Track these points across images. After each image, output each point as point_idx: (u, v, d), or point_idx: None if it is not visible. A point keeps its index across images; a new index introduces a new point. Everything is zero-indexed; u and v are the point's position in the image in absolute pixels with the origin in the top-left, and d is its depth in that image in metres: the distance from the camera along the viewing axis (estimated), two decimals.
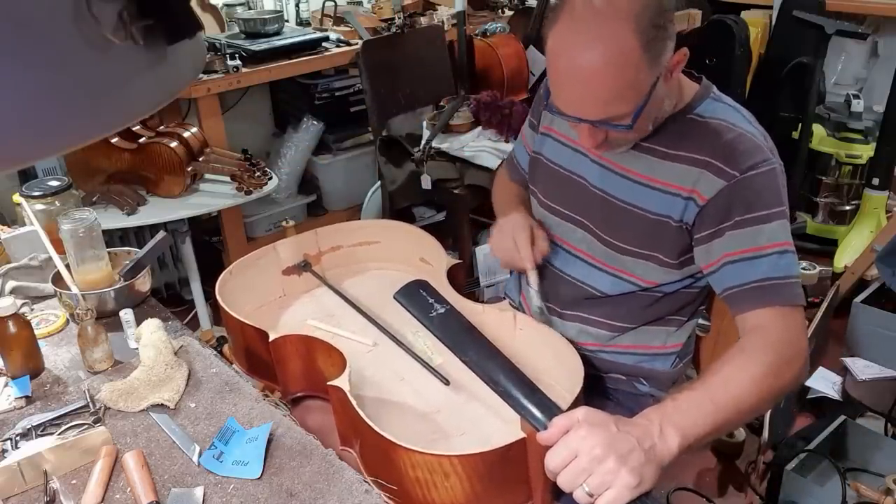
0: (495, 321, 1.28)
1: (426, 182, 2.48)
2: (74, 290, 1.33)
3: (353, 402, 1.03)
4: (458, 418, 1.11)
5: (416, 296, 1.35)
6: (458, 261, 1.44)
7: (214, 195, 2.35)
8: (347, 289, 1.43)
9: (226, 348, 1.99)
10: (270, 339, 1.21)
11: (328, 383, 1.10)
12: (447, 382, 1.16)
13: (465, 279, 1.48)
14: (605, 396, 1.34)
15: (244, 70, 2.49)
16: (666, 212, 1.14)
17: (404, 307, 1.35)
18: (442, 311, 1.30)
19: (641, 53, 0.98)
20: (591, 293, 1.26)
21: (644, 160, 1.15)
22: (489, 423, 1.09)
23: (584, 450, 0.86)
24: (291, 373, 1.25)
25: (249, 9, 2.92)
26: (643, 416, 0.93)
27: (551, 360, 1.18)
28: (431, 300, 1.32)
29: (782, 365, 1.01)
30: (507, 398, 1.07)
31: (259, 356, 1.27)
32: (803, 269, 2.62)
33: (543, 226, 1.32)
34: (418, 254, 1.49)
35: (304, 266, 1.47)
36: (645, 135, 1.13)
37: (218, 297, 1.31)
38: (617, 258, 1.21)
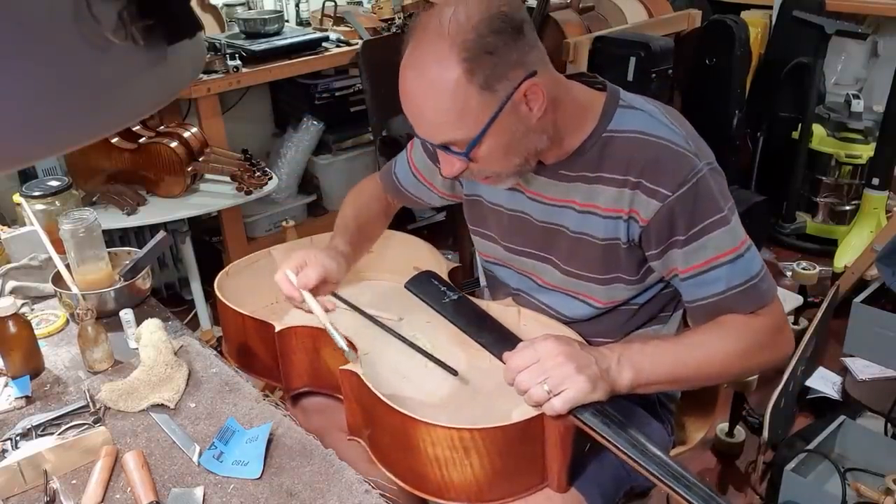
0: (500, 317, 1.28)
1: None
2: (74, 290, 1.33)
3: (369, 384, 1.03)
4: (465, 412, 1.11)
5: (427, 284, 1.36)
6: (456, 264, 1.44)
7: (214, 195, 2.35)
8: (342, 297, 1.42)
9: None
10: (277, 329, 1.20)
11: (340, 367, 1.09)
12: (455, 373, 1.16)
13: (462, 281, 1.48)
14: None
15: (244, 70, 2.49)
16: (613, 235, 1.10)
17: (416, 295, 1.35)
18: (455, 297, 1.32)
19: (467, 79, 0.94)
20: (572, 319, 1.24)
21: (578, 188, 1.11)
22: (498, 415, 1.09)
23: (547, 356, 0.94)
24: (295, 367, 1.24)
25: (249, 9, 2.92)
26: (607, 347, 1.01)
27: None
28: (443, 288, 1.34)
29: (756, 350, 1.05)
30: None
31: (256, 352, 1.27)
32: (803, 268, 2.62)
33: (507, 264, 1.28)
34: (412, 262, 1.48)
35: None
36: (524, 170, 1.08)
37: (217, 293, 1.31)
38: (582, 285, 1.18)
